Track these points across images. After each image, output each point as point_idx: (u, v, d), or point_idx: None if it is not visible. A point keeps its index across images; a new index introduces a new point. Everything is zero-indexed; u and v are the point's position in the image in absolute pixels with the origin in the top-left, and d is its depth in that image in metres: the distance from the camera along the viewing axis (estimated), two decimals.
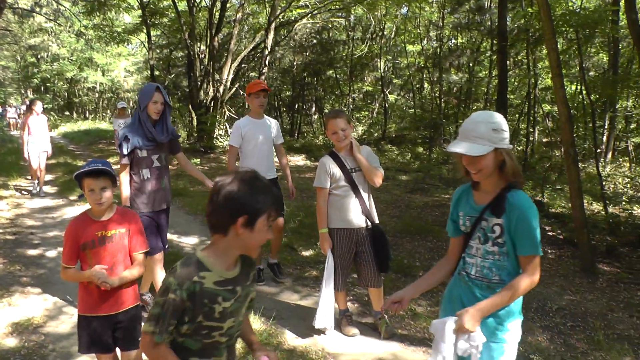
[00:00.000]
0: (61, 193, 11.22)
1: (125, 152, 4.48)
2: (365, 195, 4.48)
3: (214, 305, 1.88)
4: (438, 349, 2.38)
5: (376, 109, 25.14)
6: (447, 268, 2.76)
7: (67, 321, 4.85)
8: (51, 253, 6.98)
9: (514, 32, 14.98)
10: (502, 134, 2.38)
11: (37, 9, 32.43)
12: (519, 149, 17.75)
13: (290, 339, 4.58)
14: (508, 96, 15.06)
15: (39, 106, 10.70)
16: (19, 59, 43.35)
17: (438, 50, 21.68)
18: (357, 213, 4.44)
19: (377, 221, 4.57)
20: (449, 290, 2.74)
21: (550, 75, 16.91)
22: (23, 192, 11.25)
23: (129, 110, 25.15)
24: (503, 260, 2.47)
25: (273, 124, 5.99)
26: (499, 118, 2.42)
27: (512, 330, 2.53)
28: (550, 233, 8.28)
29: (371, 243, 4.46)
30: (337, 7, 19.00)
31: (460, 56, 21.06)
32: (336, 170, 4.42)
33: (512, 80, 18.42)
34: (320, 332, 4.63)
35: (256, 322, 4.76)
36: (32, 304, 5.25)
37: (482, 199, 2.53)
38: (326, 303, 4.37)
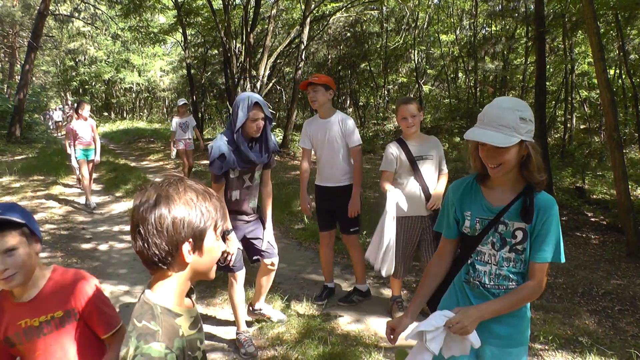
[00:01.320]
0: (107, 190, 11.64)
1: (218, 172, 3.84)
2: (430, 183, 4.38)
3: (196, 354, 1.53)
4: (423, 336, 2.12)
5: None
6: (441, 275, 2.46)
7: (124, 309, 5.06)
8: (103, 247, 7.29)
9: (550, 17, 14.82)
10: (529, 125, 2.08)
11: (76, 14, 33.24)
12: (557, 136, 17.56)
13: (343, 324, 4.69)
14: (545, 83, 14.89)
15: (86, 110, 9.68)
16: (58, 63, 44.58)
17: (472, 39, 21.49)
18: (420, 201, 4.38)
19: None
20: (450, 300, 2.43)
21: (586, 60, 16.83)
22: (72, 190, 11.62)
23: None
24: (519, 267, 2.22)
25: (339, 121, 4.91)
26: (527, 106, 2.13)
27: (527, 333, 2.36)
28: (593, 219, 8.24)
29: (435, 232, 4.35)
30: None
31: (495, 44, 20.81)
32: (402, 156, 4.35)
33: (548, 66, 18.17)
34: (372, 318, 4.74)
35: (309, 309, 4.90)
36: None
37: (498, 198, 2.23)
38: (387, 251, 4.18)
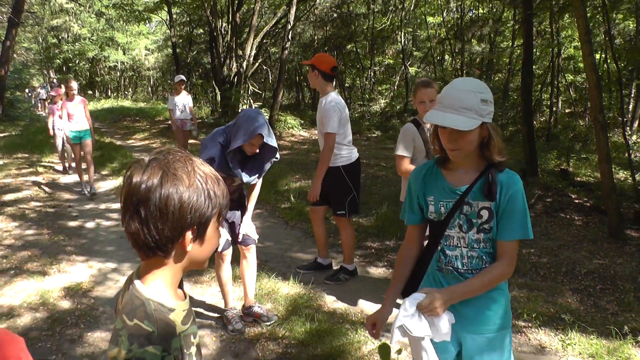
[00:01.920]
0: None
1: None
2: None
3: (190, 350, 1.38)
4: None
5: (397, 82, 25.07)
6: (412, 262, 2.37)
7: (113, 286, 5.09)
8: (90, 224, 7.29)
9: (537, 0, 14.84)
10: (490, 107, 2.03)
11: None
12: (543, 119, 17.68)
13: (329, 302, 4.74)
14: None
15: (74, 85, 8.88)
16: (40, 40, 43.80)
17: (459, 21, 21.52)
18: None
19: None
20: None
21: (573, 44, 16.92)
22: (57, 167, 11.55)
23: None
24: (489, 247, 2.16)
25: (323, 103, 4.89)
26: (487, 88, 2.06)
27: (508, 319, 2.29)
28: (577, 201, 8.35)
29: None
30: None
31: (482, 27, 20.85)
32: (418, 140, 4.10)
33: (535, 50, 18.26)
34: (358, 296, 4.79)
35: (295, 287, 4.95)
36: (79, 271, 5.52)
37: (460, 180, 2.16)
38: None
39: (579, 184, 9.45)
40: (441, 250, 2.24)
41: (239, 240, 4.21)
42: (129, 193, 1.21)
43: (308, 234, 6.75)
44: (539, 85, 17.55)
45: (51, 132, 10.65)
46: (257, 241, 4.31)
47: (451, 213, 2.16)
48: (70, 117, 8.77)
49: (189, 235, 1.25)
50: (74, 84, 8.90)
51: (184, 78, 11.43)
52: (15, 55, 31.50)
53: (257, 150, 3.72)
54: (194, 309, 4.22)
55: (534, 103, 14.00)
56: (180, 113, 10.88)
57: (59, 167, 11.42)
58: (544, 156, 11.67)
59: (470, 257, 2.17)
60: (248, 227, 4.21)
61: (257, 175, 3.94)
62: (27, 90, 36.40)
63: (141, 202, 1.19)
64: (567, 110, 18.64)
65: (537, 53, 18.47)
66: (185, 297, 1.41)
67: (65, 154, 11.08)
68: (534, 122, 12.62)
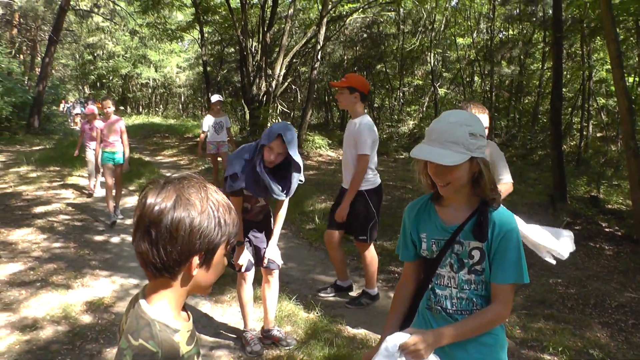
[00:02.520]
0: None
1: (228, 190, 3.70)
2: None
3: None
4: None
5: (426, 103, 24.97)
6: (408, 297, 2.29)
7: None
8: (115, 239, 7.35)
9: (568, 22, 14.69)
10: (480, 140, 1.94)
11: (96, 10, 33.66)
12: (573, 143, 17.44)
13: (350, 326, 4.68)
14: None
15: (110, 104, 8.19)
16: (77, 56, 45.11)
17: (489, 42, 21.39)
18: None
19: None
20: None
21: (605, 67, 16.70)
22: (87, 182, 11.70)
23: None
24: (481, 290, 2.06)
25: (356, 125, 4.89)
26: (477, 121, 1.99)
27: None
28: (607, 229, 8.16)
29: None
30: (387, 0, 18.95)
31: (511, 48, 20.71)
32: None
33: (565, 72, 18.07)
34: (380, 321, 4.72)
35: (316, 310, 4.91)
36: (102, 286, 5.57)
37: (452, 217, 2.08)
38: None
39: (610, 212, 9.24)
40: (432, 289, 2.16)
41: (264, 264, 4.14)
42: (141, 213, 1.23)
43: None
44: (570, 109, 17.34)
45: (77, 152, 10.65)
46: (280, 266, 4.23)
47: (443, 251, 2.08)
48: (105, 138, 8.15)
49: (195, 260, 1.26)
50: (111, 103, 8.21)
51: (221, 98, 10.37)
52: (53, 71, 32.36)
53: (274, 159, 3.59)
54: (213, 328, 4.24)
55: (564, 127, 13.84)
56: (216, 135, 10.07)
57: (86, 183, 11.56)
58: (574, 182, 11.49)
59: (459, 299, 2.09)
60: (273, 252, 4.12)
61: (283, 191, 3.80)
62: (62, 105, 37.15)
63: (153, 223, 1.21)
64: (598, 135, 18.35)
65: (568, 76, 18.28)
66: (189, 318, 1.41)
67: (94, 175, 10.52)
68: (564, 147, 12.46)
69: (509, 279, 1.97)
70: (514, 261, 1.96)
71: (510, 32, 22.32)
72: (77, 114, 31.22)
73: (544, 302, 5.24)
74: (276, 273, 4.22)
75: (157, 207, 1.21)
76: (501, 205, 2.04)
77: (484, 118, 3.71)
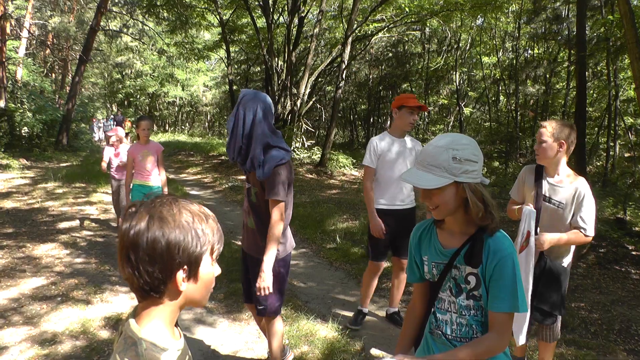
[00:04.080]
0: None
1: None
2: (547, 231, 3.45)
3: None
4: None
5: (451, 122, 24.92)
6: (417, 319, 2.28)
7: None
8: None
9: (593, 41, 14.57)
10: (466, 165, 1.90)
11: (125, 30, 34.40)
12: (599, 164, 17.20)
13: (367, 347, 4.63)
14: (587, 109, 14.61)
15: (147, 125, 6.69)
16: (106, 75, 46.10)
17: (514, 61, 21.32)
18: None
19: (557, 260, 3.56)
20: (420, 354, 2.24)
21: (633, 86, 16.47)
22: (109, 198, 11.86)
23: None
24: (480, 316, 2.04)
25: (416, 145, 4.82)
26: (464, 144, 1.93)
27: None
28: (634, 252, 7.99)
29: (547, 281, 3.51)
30: (412, 20, 19.01)
31: (536, 67, 20.62)
32: (528, 185, 3.64)
33: (591, 92, 17.91)
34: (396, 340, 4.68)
35: (332, 330, 4.87)
36: (121, 302, 5.60)
37: (450, 241, 2.08)
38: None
39: (637, 234, 9.05)
40: (434, 313, 2.16)
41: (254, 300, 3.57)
42: (121, 240, 1.25)
43: (351, 276, 6.69)
44: (596, 128, 17.12)
45: (105, 166, 8.39)
46: (272, 312, 3.55)
47: (442, 275, 2.08)
48: (139, 167, 6.70)
49: (180, 275, 1.26)
50: (149, 124, 6.76)
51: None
52: (82, 90, 33.09)
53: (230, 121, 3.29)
54: (230, 345, 4.22)
55: (590, 147, 13.65)
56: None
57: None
58: (599, 203, 11.28)
59: (459, 324, 2.07)
60: (262, 284, 3.32)
61: (251, 165, 3.30)
62: (95, 123, 37.90)
63: (130, 247, 1.22)
64: (626, 155, 18.07)
65: (594, 95, 18.10)
66: (180, 336, 1.40)
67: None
68: (589, 167, 12.28)
69: (504, 307, 1.93)
70: (509, 289, 1.92)
71: (536, 50, 22.24)
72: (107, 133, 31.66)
73: (566, 326, 5.13)
74: (272, 319, 3.63)
75: (132, 231, 1.22)
76: (500, 230, 2.00)
77: (542, 133, 3.47)
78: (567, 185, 3.44)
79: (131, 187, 6.71)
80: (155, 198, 1.30)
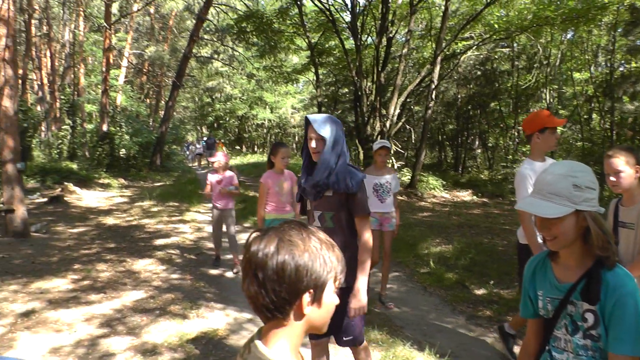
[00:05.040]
0: (236, 221, 11.98)
1: (297, 197, 3.57)
2: (625, 257, 3.39)
3: None
4: None
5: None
6: (531, 356, 2.16)
7: (247, 336, 5.11)
8: (229, 274, 7.55)
9: None
10: (587, 193, 1.81)
11: (215, 56, 35.77)
12: None
13: None
14: None
15: (287, 153, 5.90)
16: (196, 99, 47.93)
17: (608, 77, 20.33)
18: None
19: None
20: None
21: None
22: (203, 217, 12.19)
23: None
24: (599, 358, 1.87)
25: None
26: (583, 171, 1.86)
27: None
28: None
29: None
30: (501, 36, 18.61)
31: (635, 83, 19.54)
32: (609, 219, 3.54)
33: None
34: None
35: (431, 358, 4.72)
36: (216, 318, 5.69)
37: (566, 275, 1.95)
38: None
39: None
40: (549, 351, 2.03)
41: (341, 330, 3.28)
42: (248, 260, 1.29)
43: (446, 302, 6.47)
44: None
45: (209, 189, 7.86)
46: (362, 339, 3.38)
47: (557, 311, 1.95)
48: (274, 198, 5.98)
49: (306, 297, 1.29)
50: (287, 152, 5.92)
51: (388, 144, 6.26)
52: (174, 113, 34.59)
53: (314, 145, 3.21)
54: None
55: None
56: (379, 202, 6.12)
57: (207, 216, 11.96)
58: None
59: None
60: (364, 298, 3.19)
61: (323, 183, 3.22)
62: (186, 144, 39.39)
63: (259, 267, 1.26)
64: None
65: None
66: None
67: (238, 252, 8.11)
68: None
69: (626, 350, 1.77)
70: (632, 330, 1.76)
71: (633, 64, 21.09)
72: (199, 155, 32.67)
73: None
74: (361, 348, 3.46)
75: (261, 253, 1.26)
76: (619, 265, 1.85)
77: (615, 163, 3.34)
78: (636, 204, 3.38)
79: (264, 220, 5.97)
80: (284, 223, 1.35)
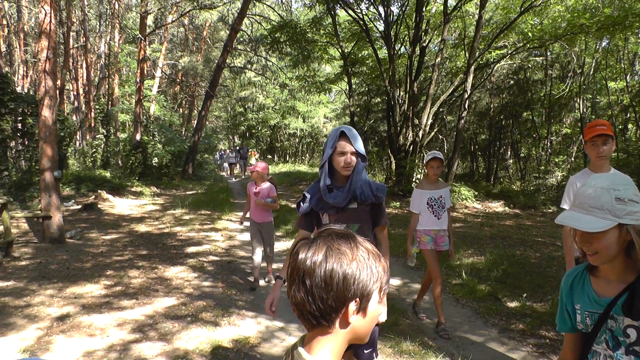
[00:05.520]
0: None
1: (300, 213, 3.40)
2: None
3: None
4: None
5: (575, 153, 23.58)
6: None
7: (279, 344, 5.14)
8: (261, 282, 7.51)
9: None
10: (630, 206, 1.75)
11: (249, 66, 36.11)
12: None
13: None
14: None
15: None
16: (229, 109, 48.39)
17: None
18: None
19: None
20: None
21: None
22: (235, 226, 12.24)
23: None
24: None
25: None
26: (625, 184, 1.81)
27: None
28: None
29: None
30: (535, 45, 18.35)
31: None
32: None
33: None
34: None
35: None
36: (248, 325, 5.69)
37: (606, 289, 1.89)
38: None
39: None
40: None
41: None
42: (295, 267, 1.31)
43: (478, 314, 6.34)
44: None
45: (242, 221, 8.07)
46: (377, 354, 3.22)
47: (597, 326, 1.90)
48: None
49: (352, 306, 1.29)
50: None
51: (440, 155, 5.65)
52: (207, 123, 34.98)
53: (349, 159, 3.14)
54: None
55: None
56: (435, 219, 5.70)
57: (238, 225, 11.98)
58: None
59: None
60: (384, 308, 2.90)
61: (346, 198, 3.19)
62: (220, 153, 39.71)
63: (307, 274, 1.27)
64: None
65: None
66: None
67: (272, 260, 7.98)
68: None
69: None
70: None
71: None
72: (231, 164, 32.85)
73: None
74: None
75: (309, 261, 1.28)
76: None
77: None
78: None
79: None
80: (332, 231, 1.35)
